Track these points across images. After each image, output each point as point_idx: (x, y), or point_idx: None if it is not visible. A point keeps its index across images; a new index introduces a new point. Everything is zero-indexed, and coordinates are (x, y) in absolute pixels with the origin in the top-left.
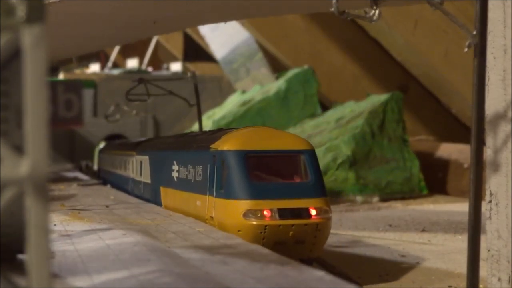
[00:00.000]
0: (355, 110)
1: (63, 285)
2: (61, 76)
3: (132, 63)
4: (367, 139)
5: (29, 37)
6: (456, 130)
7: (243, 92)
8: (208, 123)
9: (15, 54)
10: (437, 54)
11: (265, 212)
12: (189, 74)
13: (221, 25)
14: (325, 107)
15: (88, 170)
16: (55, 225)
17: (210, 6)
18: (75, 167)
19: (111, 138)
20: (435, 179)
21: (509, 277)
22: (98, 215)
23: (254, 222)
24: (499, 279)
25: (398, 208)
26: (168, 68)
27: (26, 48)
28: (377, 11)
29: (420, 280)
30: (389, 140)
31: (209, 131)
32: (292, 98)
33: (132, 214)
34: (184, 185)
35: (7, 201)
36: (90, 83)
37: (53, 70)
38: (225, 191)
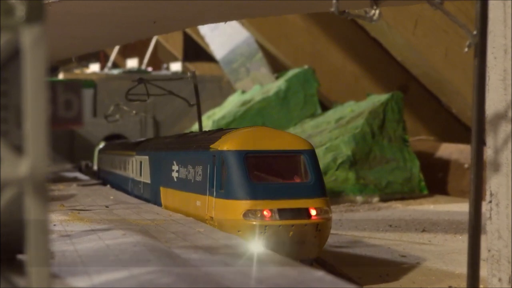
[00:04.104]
0: (355, 110)
1: (62, 285)
2: (60, 76)
3: (131, 63)
4: (367, 139)
5: (28, 37)
6: (457, 130)
7: (243, 92)
8: (208, 123)
9: (15, 54)
10: (437, 54)
11: (265, 212)
12: (189, 74)
13: (221, 25)
14: (325, 107)
15: (87, 170)
16: (54, 225)
17: (210, 6)
18: (75, 167)
19: (110, 138)
20: (436, 179)
21: (509, 277)
22: (98, 215)
23: (254, 222)
24: (500, 280)
25: (398, 208)
26: (168, 68)
27: (26, 48)
28: (377, 11)
29: (420, 280)
30: (389, 140)
31: (209, 131)
32: (292, 98)
33: (132, 214)
34: (184, 185)
35: (7, 201)
36: (90, 83)
37: (53, 70)
38: (225, 191)
